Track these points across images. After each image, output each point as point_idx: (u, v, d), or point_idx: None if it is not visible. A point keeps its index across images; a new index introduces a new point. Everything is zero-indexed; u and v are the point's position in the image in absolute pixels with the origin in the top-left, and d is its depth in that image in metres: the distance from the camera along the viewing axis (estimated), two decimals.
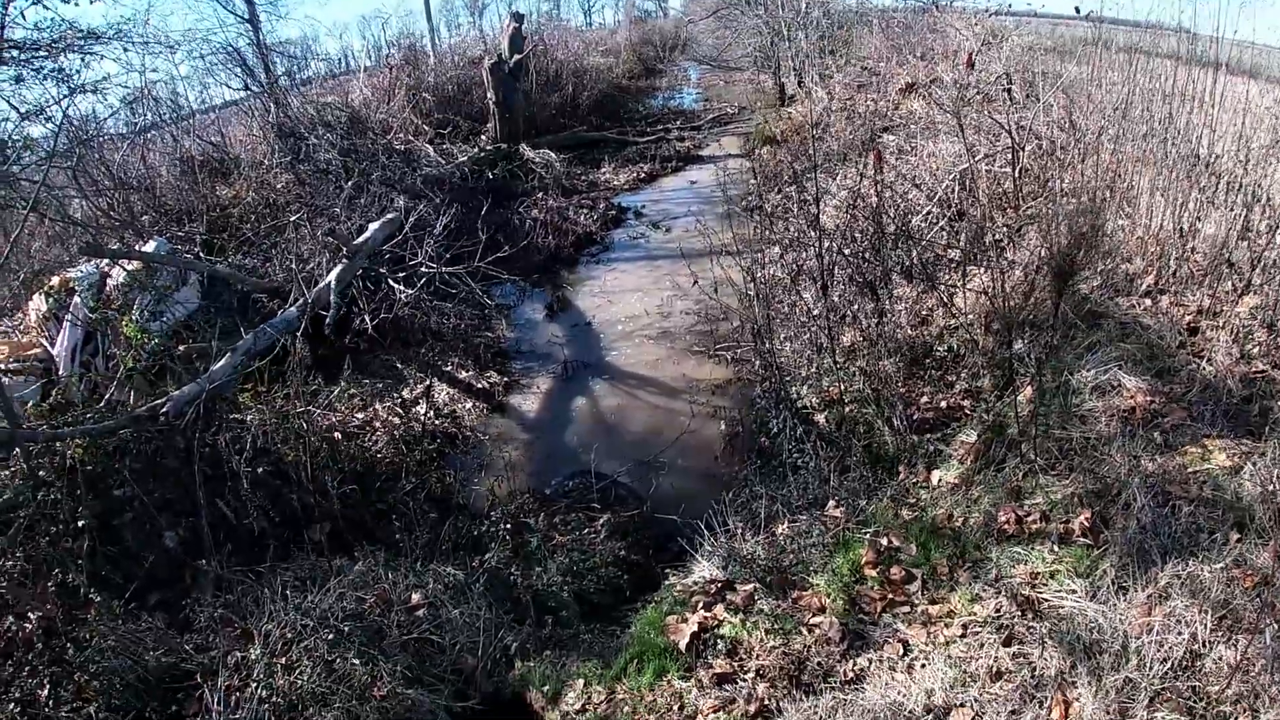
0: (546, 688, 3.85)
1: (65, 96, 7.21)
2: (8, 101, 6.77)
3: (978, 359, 5.50)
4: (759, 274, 6.26)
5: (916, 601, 3.73)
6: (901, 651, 3.45)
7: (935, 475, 4.75)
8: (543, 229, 11.13)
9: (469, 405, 7.34)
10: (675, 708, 3.49)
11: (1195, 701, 2.79)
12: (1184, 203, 5.32)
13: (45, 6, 7.16)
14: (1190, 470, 3.85)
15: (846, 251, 6.27)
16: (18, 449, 4.83)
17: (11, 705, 3.74)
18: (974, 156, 6.95)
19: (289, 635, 3.88)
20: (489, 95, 13.95)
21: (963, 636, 3.43)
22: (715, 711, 3.38)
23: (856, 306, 6.27)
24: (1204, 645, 2.96)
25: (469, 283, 8.70)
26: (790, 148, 11.16)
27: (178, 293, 7.55)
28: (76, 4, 7.58)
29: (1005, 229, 6.53)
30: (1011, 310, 4.94)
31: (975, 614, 3.51)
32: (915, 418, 5.31)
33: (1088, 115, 6.45)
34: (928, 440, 5.06)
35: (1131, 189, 5.81)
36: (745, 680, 3.50)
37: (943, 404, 5.41)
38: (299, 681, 3.65)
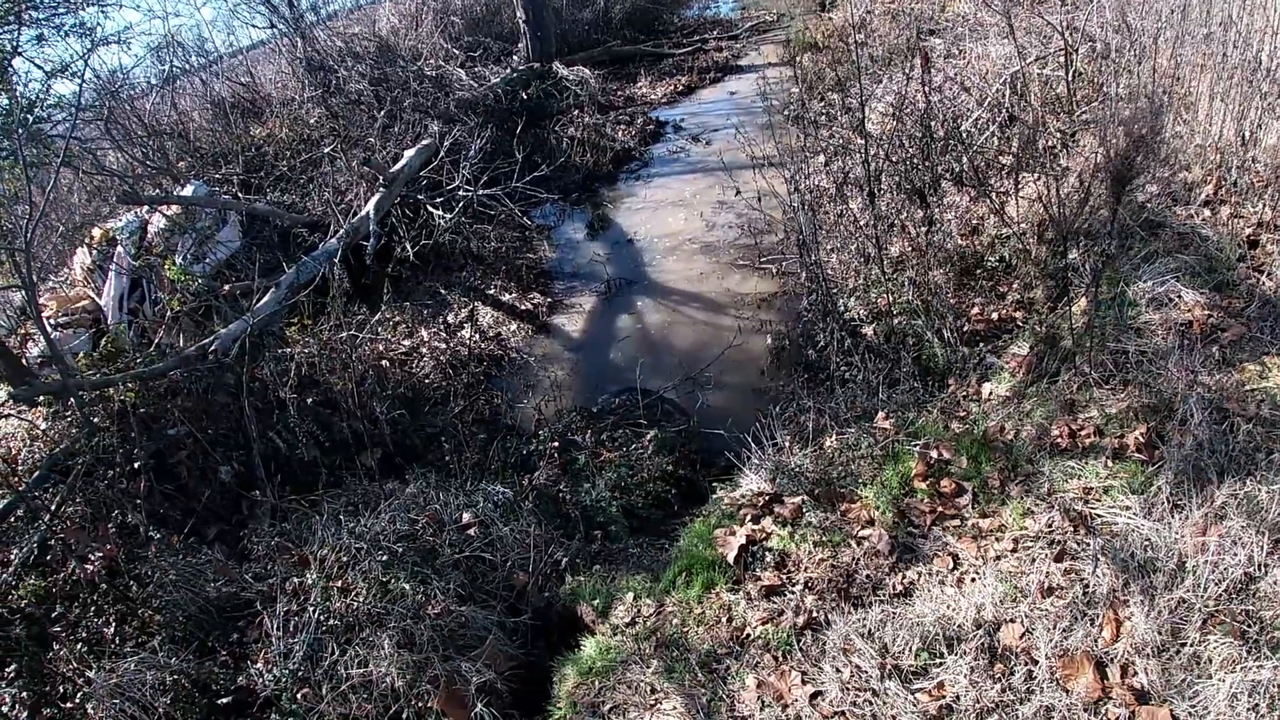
0: (597, 601, 3.93)
1: (89, 50, 7.17)
2: (32, 61, 6.79)
3: (1030, 269, 5.32)
4: (803, 184, 6.08)
5: (967, 515, 3.68)
6: (951, 565, 3.42)
7: (986, 388, 4.65)
8: (580, 147, 10.95)
9: (513, 327, 7.40)
10: (724, 619, 3.53)
11: (1249, 626, 2.73)
12: (1245, 110, 5.01)
13: None
14: (1249, 388, 3.70)
15: (894, 158, 6.05)
16: (71, 399, 4.98)
17: (79, 645, 3.93)
18: (1025, 59, 6.58)
19: (344, 559, 4.00)
20: (519, 14, 13.55)
21: (1013, 551, 3.38)
22: (764, 623, 3.42)
23: (905, 215, 6.06)
24: (1260, 568, 2.88)
25: (508, 204, 8.64)
26: (832, 53, 10.72)
27: (219, 233, 7.64)
28: None
29: (1059, 134, 6.24)
30: (1066, 218, 4.74)
31: (1026, 529, 3.46)
32: (966, 329, 5.18)
33: (1143, 17, 6.05)
34: (979, 352, 4.94)
35: (1190, 94, 5.49)
36: (794, 592, 3.52)
37: (994, 315, 5.26)
38: (355, 603, 3.78)
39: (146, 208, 7.47)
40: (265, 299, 6.24)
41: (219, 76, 11.67)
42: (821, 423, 4.58)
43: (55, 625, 4.07)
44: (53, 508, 4.64)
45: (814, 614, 3.38)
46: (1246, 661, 2.61)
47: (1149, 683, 2.66)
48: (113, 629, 3.97)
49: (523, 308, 7.66)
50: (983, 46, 7.73)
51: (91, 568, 4.22)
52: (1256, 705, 2.50)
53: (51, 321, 6.54)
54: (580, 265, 8.47)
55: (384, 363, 6.34)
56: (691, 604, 3.69)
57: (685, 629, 3.57)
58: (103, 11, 7.89)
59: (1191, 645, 2.72)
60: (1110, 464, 3.58)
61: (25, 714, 3.72)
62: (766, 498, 4.10)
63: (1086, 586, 3.06)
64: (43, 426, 5.25)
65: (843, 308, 5.86)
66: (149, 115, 9.81)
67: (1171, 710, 2.59)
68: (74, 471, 4.68)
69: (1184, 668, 2.68)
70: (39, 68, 6.77)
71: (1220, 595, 2.82)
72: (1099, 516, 3.35)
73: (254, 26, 13.06)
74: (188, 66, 11.98)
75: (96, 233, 7.22)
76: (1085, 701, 2.68)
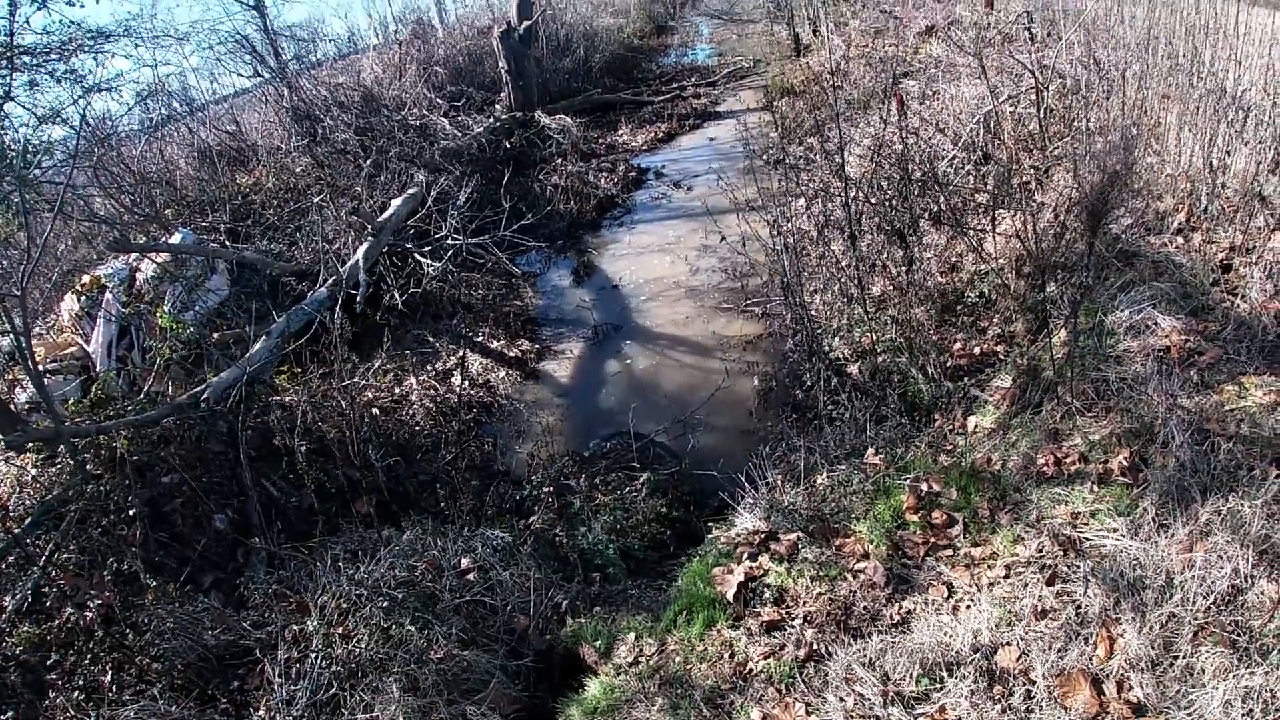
0: (599, 642, 3.95)
1: (80, 97, 7.28)
2: (24, 107, 6.87)
3: (1010, 303, 5.47)
4: (785, 227, 6.23)
5: (959, 544, 3.76)
6: (946, 594, 3.49)
7: (972, 421, 4.75)
8: (564, 195, 11.11)
9: (502, 374, 7.44)
10: (726, 655, 3.56)
11: (1238, 635, 2.81)
12: (1213, 138, 5.21)
13: (50, 10, 7.17)
14: (1227, 408, 3.82)
15: (873, 200, 6.22)
16: (64, 445, 4.97)
17: (76, 693, 3.86)
18: (997, 98, 6.82)
19: (344, 605, 4.00)
20: (501, 64, 13.83)
21: (1006, 577, 3.46)
22: (766, 658, 3.45)
23: (885, 255, 6.22)
24: (1246, 580, 2.96)
25: (494, 252, 8.76)
26: (809, 98, 11.00)
27: (208, 281, 7.67)
28: (82, 5, 7.52)
29: (1033, 170, 6.44)
30: (1043, 252, 4.89)
31: (1018, 555, 3.54)
32: (949, 365, 5.30)
33: (1111, 52, 6.31)
34: (963, 386, 5.06)
35: (1159, 126, 5.70)
36: (794, 627, 3.57)
37: (976, 350, 5.40)
38: (357, 649, 3.77)
39: (135, 255, 7.51)
40: (257, 347, 6.28)
41: (205, 124, 11.79)
42: (812, 461, 4.66)
43: (51, 673, 4.01)
44: (47, 554, 4.60)
45: (815, 646, 3.42)
46: (1238, 669, 2.68)
47: (1145, 696, 2.73)
48: (110, 677, 3.91)
49: (511, 354, 7.72)
50: (956, 87, 7.98)
51: (88, 615, 4.19)
52: (1250, 711, 2.57)
53: (40, 368, 6.52)
54: (567, 312, 8.57)
55: (376, 410, 6.37)
56: (693, 642, 3.72)
57: (688, 666, 3.60)
58: (95, 59, 7.99)
59: (1184, 657, 2.79)
60: (1096, 488, 3.68)
61: None
62: (762, 535, 4.16)
63: (1079, 607, 3.13)
64: (32, 473, 5.22)
65: (828, 347, 5.97)
66: (137, 163, 9.87)
67: None
68: (67, 518, 4.66)
69: (1178, 679, 2.75)
70: (31, 113, 6.84)
71: (1209, 608, 2.90)
72: (1087, 539, 3.44)
73: (240, 75, 13.20)
74: (174, 114, 12.10)
75: (86, 279, 7.24)
76: (1084, 718, 2.74)
